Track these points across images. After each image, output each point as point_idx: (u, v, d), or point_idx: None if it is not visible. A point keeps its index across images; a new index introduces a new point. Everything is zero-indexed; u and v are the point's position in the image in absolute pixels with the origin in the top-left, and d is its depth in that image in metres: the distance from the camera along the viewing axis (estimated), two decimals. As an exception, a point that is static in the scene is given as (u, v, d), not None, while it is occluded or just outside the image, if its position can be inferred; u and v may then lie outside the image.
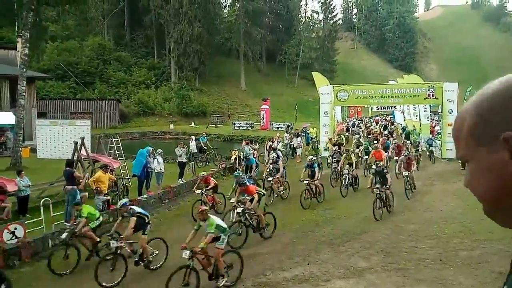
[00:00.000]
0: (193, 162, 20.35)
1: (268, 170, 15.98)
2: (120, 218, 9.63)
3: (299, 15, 77.16)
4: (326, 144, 23.42)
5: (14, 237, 9.77)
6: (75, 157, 15.08)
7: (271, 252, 10.25)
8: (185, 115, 50.53)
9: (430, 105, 27.06)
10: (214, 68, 61.46)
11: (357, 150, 20.83)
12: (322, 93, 25.58)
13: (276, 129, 38.64)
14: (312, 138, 26.13)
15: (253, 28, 62.44)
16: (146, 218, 9.69)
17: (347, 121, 39.22)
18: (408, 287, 7.66)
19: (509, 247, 8.42)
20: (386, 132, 27.81)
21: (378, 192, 12.50)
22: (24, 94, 21.38)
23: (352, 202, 14.59)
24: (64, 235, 9.61)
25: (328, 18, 76.99)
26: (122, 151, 18.53)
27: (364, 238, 10.91)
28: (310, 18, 78.07)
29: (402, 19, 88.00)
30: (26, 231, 10.13)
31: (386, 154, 18.88)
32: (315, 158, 15.80)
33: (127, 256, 9.13)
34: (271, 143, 21.95)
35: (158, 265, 9.61)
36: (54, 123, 19.44)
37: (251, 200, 11.20)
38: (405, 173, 14.91)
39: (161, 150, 16.64)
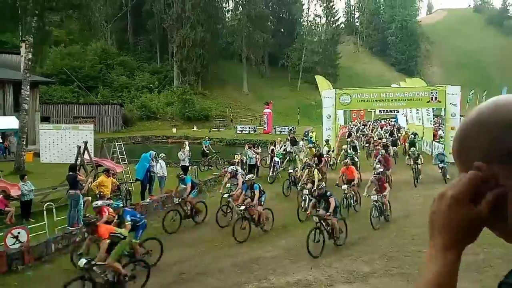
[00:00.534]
0: (196, 166, 20.33)
1: (227, 187, 13.75)
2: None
3: (302, 19, 77.33)
4: (308, 152, 21.65)
5: (17, 242, 9.78)
6: (78, 162, 15.11)
7: (274, 256, 10.22)
8: (187, 119, 50.62)
9: (433, 109, 27.02)
10: (216, 72, 61.62)
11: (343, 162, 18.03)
12: (324, 97, 25.58)
13: (279, 132, 38.67)
14: (314, 142, 26.10)
15: (255, 32, 62.61)
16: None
17: (350, 125, 38.89)
18: (412, 292, 7.62)
19: (513, 252, 8.37)
20: (390, 138, 27.10)
21: (318, 220, 10.12)
22: (27, 98, 21.47)
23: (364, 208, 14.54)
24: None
25: (331, 22, 77.12)
26: (125, 155, 18.55)
27: (367, 242, 10.89)
28: (313, 22, 78.26)
29: (404, 23, 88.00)
30: (29, 235, 10.14)
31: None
32: (254, 177, 13.12)
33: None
34: (273, 147, 21.96)
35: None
36: (57, 128, 19.54)
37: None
38: (374, 197, 12.19)
39: (163, 154, 16.66)
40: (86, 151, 15.58)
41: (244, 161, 20.28)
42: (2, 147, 26.96)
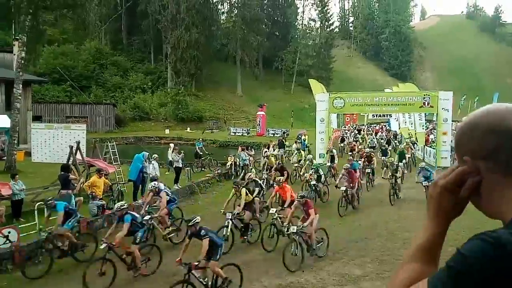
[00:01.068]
0: (189, 168, 20.30)
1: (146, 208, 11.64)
2: (115, 222, 9.58)
3: (296, 23, 77.60)
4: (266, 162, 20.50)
5: (7, 241, 9.70)
6: (71, 161, 15.02)
7: (266, 259, 10.23)
8: (181, 120, 50.48)
9: (425, 114, 27.22)
10: (210, 74, 61.60)
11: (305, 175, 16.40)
12: (318, 100, 25.64)
13: (272, 135, 38.69)
14: (307, 146, 26.16)
15: (250, 34, 62.69)
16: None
17: (344, 129, 38.07)
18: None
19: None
20: (388, 147, 25.01)
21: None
22: (20, 97, 21.31)
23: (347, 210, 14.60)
24: None
25: (325, 26, 77.44)
26: (117, 156, 18.48)
27: (359, 246, 10.94)
28: (307, 25, 78.59)
29: (398, 28, 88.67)
30: (20, 235, 10.06)
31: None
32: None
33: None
34: (266, 149, 21.99)
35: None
36: (49, 127, 19.40)
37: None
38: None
39: (156, 155, 16.63)
40: (78, 151, 15.50)
41: (238, 163, 20.30)
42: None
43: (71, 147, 15.28)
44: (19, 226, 10.63)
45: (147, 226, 10.49)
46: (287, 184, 13.41)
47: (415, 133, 29.20)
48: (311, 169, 16.18)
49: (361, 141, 30.42)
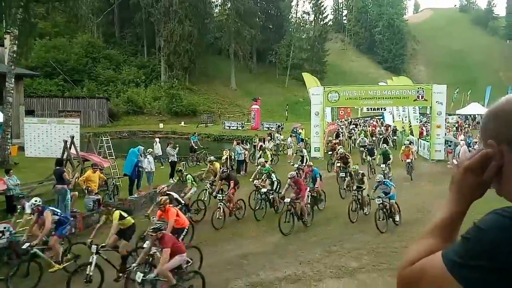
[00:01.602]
0: (184, 162, 20.26)
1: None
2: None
3: (290, 16, 77.38)
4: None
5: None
6: (65, 156, 14.93)
7: (263, 252, 10.27)
8: (175, 114, 50.29)
9: (419, 107, 27.35)
10: (204, 67, 61.31)
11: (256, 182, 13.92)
12: (312, 94, 25.69)
13: (267, 129, 38.73)
14: (303, 139, 26.18)
15: (243, 27, 62.43)
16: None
17: (340, 124, 35.79)
18: (399, 287, 7.73)
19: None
20: (386, 147, 18.43)
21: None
22: (12, 91, 21.10)
23: (343, 203, 14.63)
24: None
25: (319, 19, 77.33)
26: (112, 150, 18.39)
27: (355, 238, 11.01)
28: (301, 19, 78.44)
29: (391, 21, 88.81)
30: (15, 230, 10.00)
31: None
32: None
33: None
34: (261, 143, 21.98)
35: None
36: (42, 121, 19.22)
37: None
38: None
39: (151, 149, 16.56)
40: (72, 146, 15.40)
41: (233, 157, 20.29)
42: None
43: (65, 142, 15.18)
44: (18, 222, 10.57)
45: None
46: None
47: (409, 126, 29.30)
48: (262, 174, 14.22)
49: (356, 137, 26.89)
